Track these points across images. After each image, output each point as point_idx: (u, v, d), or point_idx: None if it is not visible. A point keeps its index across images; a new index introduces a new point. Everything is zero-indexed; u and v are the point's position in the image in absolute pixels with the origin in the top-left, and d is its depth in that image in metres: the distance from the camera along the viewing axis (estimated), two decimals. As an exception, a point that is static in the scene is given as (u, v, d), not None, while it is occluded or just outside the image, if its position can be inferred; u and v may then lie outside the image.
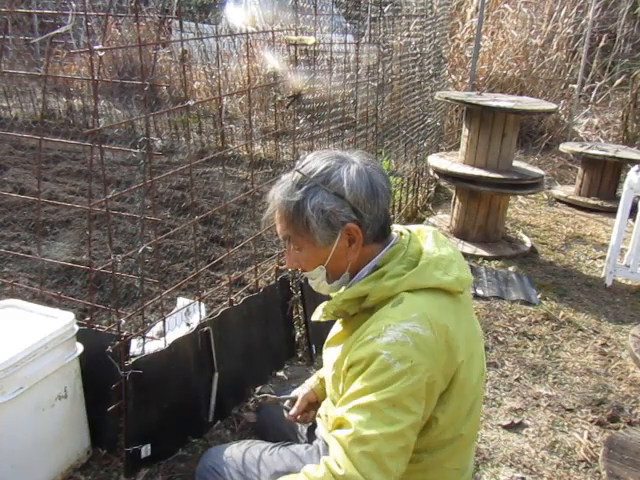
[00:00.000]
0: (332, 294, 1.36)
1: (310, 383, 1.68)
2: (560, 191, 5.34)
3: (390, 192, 1.29)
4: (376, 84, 3.48)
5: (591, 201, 5.05)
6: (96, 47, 1.58)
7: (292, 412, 1.61)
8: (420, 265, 1.24)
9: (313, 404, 1.63)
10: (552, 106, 4.02)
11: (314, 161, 1.28)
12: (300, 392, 1.66)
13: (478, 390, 1.32)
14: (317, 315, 1.39)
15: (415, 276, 1.23)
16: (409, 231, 1.35)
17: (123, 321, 1.85)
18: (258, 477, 1.46)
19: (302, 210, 1.24)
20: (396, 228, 1.36)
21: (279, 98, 2.88)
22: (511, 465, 2.04)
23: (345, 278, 1.32)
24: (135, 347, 1.86)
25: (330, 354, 1.37)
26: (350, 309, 1.28)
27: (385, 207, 1.27)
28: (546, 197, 5.31)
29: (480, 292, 3.30)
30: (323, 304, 1.36)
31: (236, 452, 1.55)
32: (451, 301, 1.25)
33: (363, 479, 1.08)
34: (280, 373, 2.45)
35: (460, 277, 1.27)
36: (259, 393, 2.27)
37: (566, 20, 7.00)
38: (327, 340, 1.43)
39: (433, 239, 1.33)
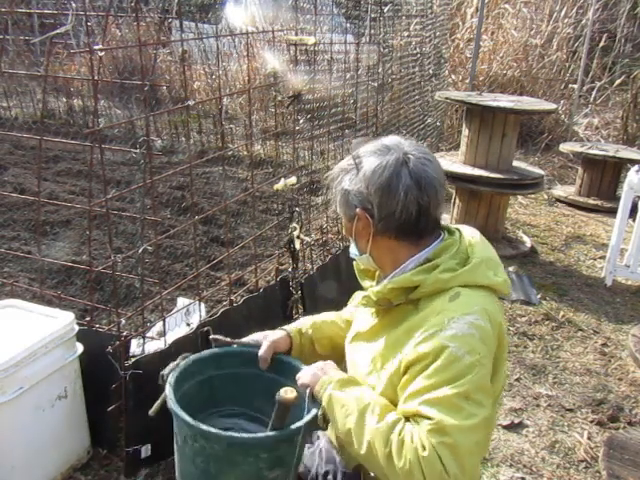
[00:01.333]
0: (365, 285, 1.40)
1: (288, 329, 1.51)
2: (560, 191, 5.34)
3: (427, 203, 1.26)
4: (376, 84, 3.48)
5: (591, 201, 5.05)
6: (96, 47, 1.58)
7: (261, 353, 1.42)
8: (473, 263, 1.26)
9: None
10: (552, 106, 4.02)
11: (368, 145, 1.32)
12: (268, 337, 1.46)
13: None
14: (355, 301, 1.40)
15: (469, 273, 1.24)
16: (457, 229, 1.37)
17: (123, 321, 1.85)
18: None
19: (337, 184, 1.32)
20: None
21: (279, 98, 2.88)
22: (511, 465, 2.04)
23: (369, 260, 1.34)
24: (135, 347, 1.86)
25: (362, 349, 1.33)
26: (396, 299, 1.26)
27: (411, 212, 1.24)
28: (546, 197, 5.31)
29: (480, 292, 3.30)
30: (363, 292, 1.36)
31: None
32: (498, 301, 1.28)
33: (442, 467, 1.07)
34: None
35: (508, 282, 1.30)
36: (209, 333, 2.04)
37: (566, 20, 7.00)
38: (354, 334, 1.38)
39: (480, 240, 1.35)
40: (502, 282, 1.28)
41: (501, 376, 1.26)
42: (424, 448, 1.09)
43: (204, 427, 1.19)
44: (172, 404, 1.28)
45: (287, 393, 1.21)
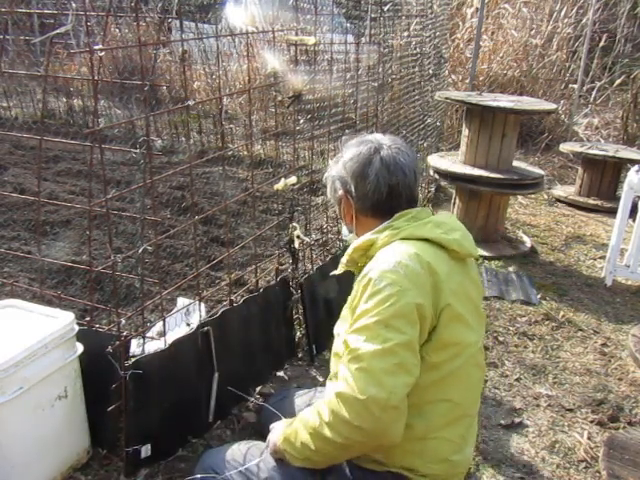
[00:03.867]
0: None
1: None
2: (560, 191, 5.34)
3: (396, 184, 1.46)
4: (376, 84, 3.48)
5: (591, 201, 5.05)
6: (96, 47, 1.58)
7: None
8: (421, 222, 1.43)
9: None
10: (552, 106, 4.02)
11: (352, 139, 1.57)
12: None
13: (472, 360, 1.41)
14: (336, 272, 1.60)
15: (414, 228, 1.41)
16: (430, 210, 1.54)
17: (123, 321, 1.85)
18: (257, 475, 1.46)
19: (327, 174, 1.59)
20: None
21: (279, 98, 2.88)
22: (511, 465, 2.04)
23: (354, 237, 1.54)
24: (135, 347, 1.86)
25: (341, 320, 1.50)
26: (359, 259, 1.46)
27: (382, 192, 1.46)
28: (546, 197, 5.31)
29: (480, 292, 3.30)
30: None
31: (237, 452, 1.55)
32: (446, 257, 1.40)
33: (359, 392, 1.20)
34: (280, 373, 2.45)
35: (460, 241, 1.42)
36: (259, 393, 2.27)
37: (566, 20, 7.00)
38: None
39: (444, 214, 1.53)
40: (450, 239, 1.40)
41: (463, 329, 1.37)
42: (339, 383, 1.25)
43: None
44: None
45: None
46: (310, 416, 1.34)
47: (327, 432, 1.27)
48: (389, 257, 1.33)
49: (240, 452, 1.54)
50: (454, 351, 1.35)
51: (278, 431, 1.47)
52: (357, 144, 1.52)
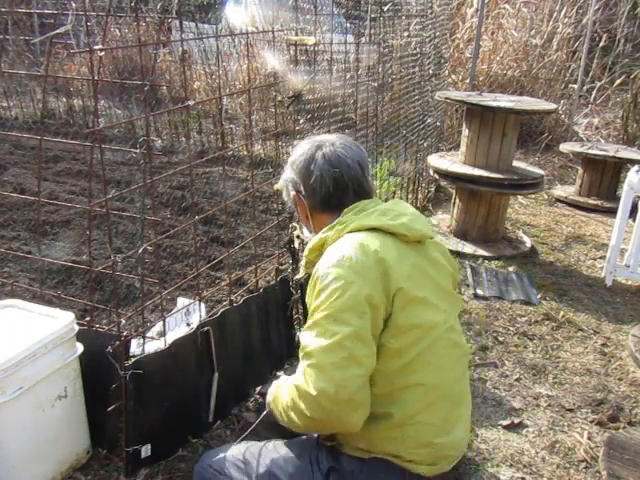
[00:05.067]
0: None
1: None
2: (560, 191, 5.34)
3: (340, 176, 1.52)
4: (376, 84, 3.48)
5: (591, 201, 5.05)
6: (96, 47, 1.58)
7: None
8: (366, 212, 1.48)
9: None
10: (552, 106, 4.02)
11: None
12: None
13: (443, 341, 1.42)
14: (298, 276, 1.68)
15: (361, 219, 1.46)
16: (379, 199, 1.61)
17: (123, 321, 1.85)
18: (257, 469, 1.48)
19: (281, 180, 1.66)
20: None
21: (279, 98, 2.88)
22: (511, 465, 2.04)
23: (313, 236, 1.58)
24: (135, 347, 1.86)
25: None
26: (316, 259, 1.47)
27: (328, 185, 1.52)
28: (546, 197, 5.31)
29: (480, 292, 3.30)
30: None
31: (236, 450, 1.56)
32: (396, 242, 1.43)
33: (312, 387, 1.26)
34: (280, 373, 2.45)
35: (408, 225, 1.45)
36: (259, 393, 2.27)
37: (566, 20, 7.00)
38: None
39: (392, 201, 1.58)
40: (397, 225, 1.44)
41: (425, 311, 1.39)
42: (297, 376, 1.31)
43: None
44: None
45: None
46: (283, 393, 1.42)
47: (292, 414, 1.35)
48: (334, 252, 1.38)
49: (240, 450, 1.55)
50: (416, 334, 1.37)
51: (272, 388, 1.57)
52: (303, 145, 1.60)
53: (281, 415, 1.43)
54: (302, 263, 1.58)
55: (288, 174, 1.62)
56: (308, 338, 1.31)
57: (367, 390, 1.30)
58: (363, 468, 1.42)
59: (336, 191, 1.53)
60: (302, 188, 1.56)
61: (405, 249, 1.44)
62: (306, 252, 1.54)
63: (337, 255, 1.36)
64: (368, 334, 1.30)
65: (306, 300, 1.45)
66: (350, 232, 1.43)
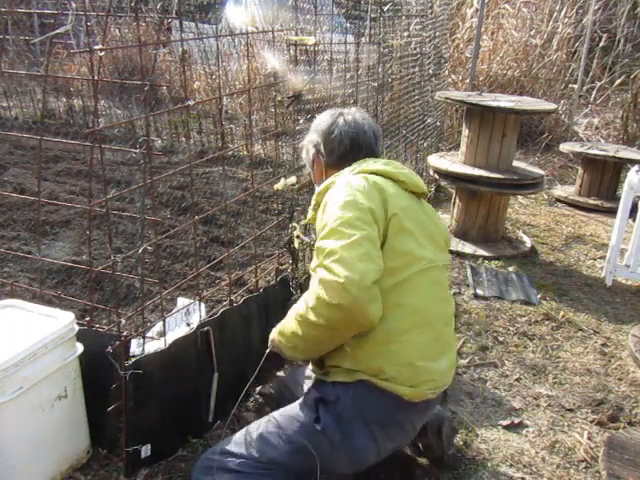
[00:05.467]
0: None
1: None
2: (560, 191, 5.34)
3: (356, 137, 1.78)
4: (376, 84, 3.48)
5: (591, 201, 5.05)
6: (96, 47, 1.58)
7: None
8: (373, 161, 1.73)
9: None
10: (552, 106, 4.02)
11: None
12: None
13: (428, 276, 1.59)
14: (306, 220, 1.88)
15: (367, 165, 1.70)
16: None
17: (123, 321, 1.85)
18: (254, 435, 1.61)
19: (302, 145, 1.92)
20: None
21: (279, 98, 2.88)
22: (511, 465, 2.04)
23: None
24: (135, 347, 1.85)
25: None
26: (322, 200, 1.65)
27: (345, 144, 1.77)
28: (546, 197, 5.31)
29: (480, 292, 3.30)
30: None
31: (236, 434, 1.67)
32: (395, 186, 1.66)
33: (337, 276, 1.40)
34: (280, 373, 2.45)
35: (407, 174, 1.70)
36: (259, 393, 2.27)
37: (566, 20, 7.00)
38: None
39: (392, 160, 1.82)
40: (398, 172, 1.68)
41: (401, 239, 1.57)
42: (320, 272, 1.44)
43: None
44: None
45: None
46: (298, 305, 1.55)
47: (312, 316, 1.46)
48: (342, 181, 1.62)
49: (239, 433, 1.66)
50: (405, 260, 1.55)
51: (275, 328, 1.73)
52: (324, 114, 1.87)
53: (292, 336, 1.57)
54: (310, 207, 1.78)
55: (310, 136, 1.86)
56: (327, 242, 1.47)
57: (375, 284, 1.45)
58: (347, 392, 1.55)
59: (351, 150, 1.78)
60: (322, 147, 1.81)
61: (404, 193, 1.67)
62: (315, 195, 1.73)
63: (343, 183, 1.61)
64: (377, 240, 1.50)
65: (315, 226, 1.64)
66: (355, 174, 1.66)
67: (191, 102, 1.92)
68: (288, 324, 1.60)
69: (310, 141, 1.86)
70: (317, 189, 1.76)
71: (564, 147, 5.39)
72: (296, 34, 2.46)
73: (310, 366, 1.75)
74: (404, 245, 1.56)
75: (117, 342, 1.74)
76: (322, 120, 1.85)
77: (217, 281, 3.12)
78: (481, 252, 3.86)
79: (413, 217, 1.63)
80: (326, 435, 1.55)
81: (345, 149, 1.78)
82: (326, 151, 1.81)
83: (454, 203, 4.17)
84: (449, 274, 3.51)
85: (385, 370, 1.51)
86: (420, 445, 2.00)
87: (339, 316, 1.41)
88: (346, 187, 1.58)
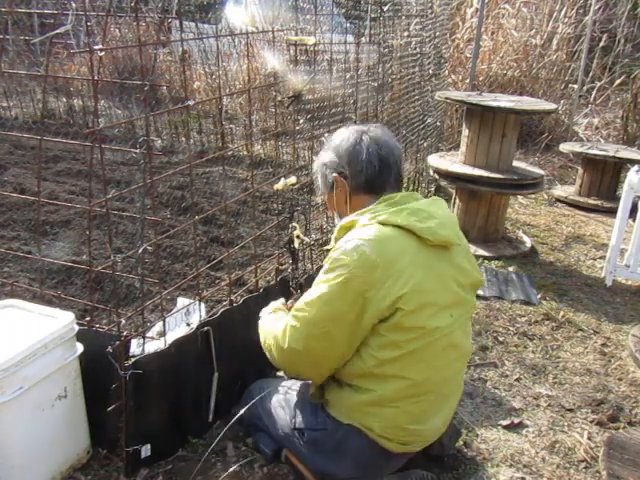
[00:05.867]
0: None
1: None
2: (560, 191, 5.34)
3: (387, 157, 1.60)
4: (376, 84, 3.48)
5: (591, 201, 5.05)
6: (96, 47, 1.57)
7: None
8: (397, 208, 1.52)
9: None
10: (552, 106, 4.02)
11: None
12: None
13: (442, 343, 1.52)
14: (328, 247, 1.72)
15: (391, 214, 1.50)
16: (417, 194, 1.65)
17: (123, 321, 1.85)
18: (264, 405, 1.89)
19: (316, 167, 1.73)
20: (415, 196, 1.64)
21: (279, 98, 2.88)
22: (511, 465, 2.04)
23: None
24: (135, 347, 1.85)
25: None
26: (344, 236, 1.55)
27: (374, 165, 1.58)
28: (546, 197, 5.31)
29: (480, 292, 3.30)
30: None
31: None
32: (417, 244, 1.49)
33: (286, 343, 1.54)
34: (280, 373, 2.45)
35: (434, 229, 1.49)
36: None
37: (566, 20, 7.00)
38: None
39: (429, 200, 1.61)
40: (423, 228, 1.48)
41: (432, 313, 1.49)
42: (288, 320, 1.56)
43: None
44: None
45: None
46: (269, 330, 1.70)
47: (271, 348, 1.66)
48: (354, 239, 1.47)
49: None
50: (414, 334, 1.47)
51: (264, 313, 1.88)
52: (342, 132, 1.67)
53: (263, 341, 1.73)
54: (332, 237, 1.65)
55: (328, 157, 1.66)
56: (301, 303, 1.52)
57: (333, 361, 1.53)
58: (338, 429, 1.59)
59: (381, 172, 1.59)
60: (347, 168, 1.61)
61: (425, 253, 1.50)
62: (336, 230, 1.61)
63: (354, 244, 1.45)
64: (348, 320, 1.45)
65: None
66: (379, 223, 1.49)
67: (191, 102, 1.92)
68: (266, 332, 1.74)
69: (326, 164, 1.66)
70: (340, 222, 1.62)
71: (564, 147, 5.39)
72: (296, 34, 2.45)
73: (311, 390, 1.75)
74: (414, 321, 1.46)
75: (117, 342, 1.73)
76: (342, 138, 1.64)
77: (217, 281, 3.12)
78: (481, 252, 3.86)
79: (434, 283, 1.50)
80: (306, 446, 1.69)
81: (374, 170, 1.59)
82: (351, 173, 1.60)
83: (454, 203, 4.17)
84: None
85: (376, 430, 1.55)
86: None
87: (281, 364, 1.70)
88: (351, 251, 1.44)
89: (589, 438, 2.20)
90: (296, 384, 1.87)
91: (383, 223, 1.48)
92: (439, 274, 1.51)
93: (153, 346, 1.90)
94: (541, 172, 3.99)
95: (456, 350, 1.57)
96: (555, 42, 7.03)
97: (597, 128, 6.95)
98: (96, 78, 1.61)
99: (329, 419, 1.62)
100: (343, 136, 1.65)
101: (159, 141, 5.76)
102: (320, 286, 1.48)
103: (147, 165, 1.74)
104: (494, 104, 3.72)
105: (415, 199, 1.58)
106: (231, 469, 1.87)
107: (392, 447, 1.58)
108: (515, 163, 4.06)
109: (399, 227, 1.48)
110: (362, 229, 1.49)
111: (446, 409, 1.65)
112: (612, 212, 4.34)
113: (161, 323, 1.96)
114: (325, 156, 1.68)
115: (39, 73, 5.68)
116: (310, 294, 1.50)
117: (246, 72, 5.95)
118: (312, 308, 1.47)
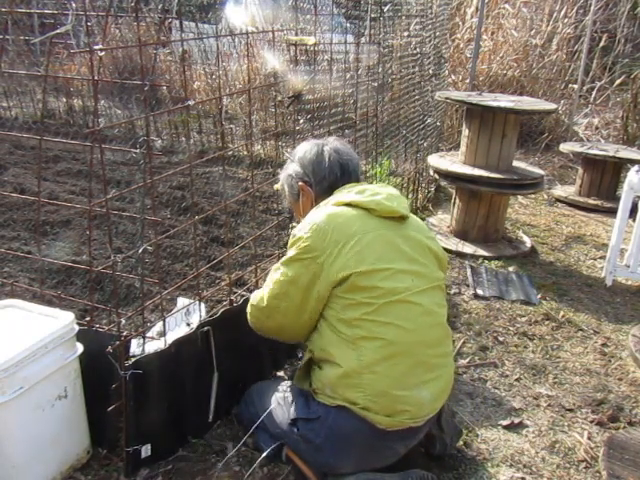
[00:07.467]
0: None
1: None
2: (560, 191, 5.34)
3: (346, 164, 1.83)
4: (376, 84, 3.48)
5: (591, 201, 5.05)
6: (96, 47, 1.57)
7: None
8: (347, 190, 1.76)
9: None
10: (552, 106, 4.02)
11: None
12: None
13: (403, 305, 1.62)
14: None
15: (339, 196, 1.74)
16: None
17: (123, 321, 1.85)
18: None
19: (282, 180, 1.96)
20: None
21: (279, 98, 2.88)
22: (511, 465, 2.04)
23: None
24: (135, 347, 1.85)
25: None
26: None
27: (336, 172, 1.81)
28: (546, 197, 5.31)
29: (480, 292, 3.30)
30: None
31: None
32: (369, 216, 1.67)
33: (257, 299, 1.82)
34: (280, 373, 2.45)
35: (379, 201, 1.68)
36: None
37: (566, 20, 7.00)
38: None
39: (378, 184, 1.87)
40: (368, 201, 1.68)
41: (367, 277, 1.61)
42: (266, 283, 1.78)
43: None
44: None
45: None
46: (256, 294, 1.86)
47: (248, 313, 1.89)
48: (308, 218, 1.70)
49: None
50: (372, 293, 1.59)
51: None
52: (305, 145, 1.89)
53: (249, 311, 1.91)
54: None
55: (293, 168, 1.88)
56: (273, 270, 1.74)
57: (292, 319, 1.72)
58: (329, 414, 1.65)
59: (342, 177, 1.81)
60: (311, 177, 1.83)
61: (376, 223, 1.67)
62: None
63: (308, 221, 1.67)
64: (304, 283, 1.64)
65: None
66: (330, 205, 1.71)
67: (191, 102, 1.92)
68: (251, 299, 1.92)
69: (292, 175, 1.88)
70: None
71: (564, 147, 5.39)
72: (296, 34, 2.45)
73: (296, 382, 1.88)
74: (369, 281, 1.60)
75: (117, 342, 1.74)
76: (305, 150, 1.87)
77: (217, 281, 3.12)
78: (481, 252, 3.86)
79: (385, 249, 1.65)
80: (303, 440, 1.74)
81: (336, 177, 1.81)
82: (316, 180, 1.83)
83: (454, 203, 4.17)
84: (449, 274, 3.51)
85: (359, 402, 1.59)
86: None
87: (254, 317, 1.89)
88: (306, 227, 1.66)
89: (589, 438, 2.20)
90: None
91: (334, 204, 1.71)
92: (390, 241, 1.67)
93: (153, 346, 1.90)
94: (541, 172, 3.99)
95: (430, 316, 1.67)
96: (555, 42, 7.03)
97: (597, 128, 6.95)
98: (96, 78, 1.61)
99: (320, 406, 1.69)
100: (306, 148, 1.87)
101: (159, 141, 5.76)
102: (285, 256, 1.70)
103: (147, 165, 1.74)
104: (494, 104, 3.72)
105: (362, 185, 1.79)
106: (231, 469, 1.87)
107: (380, 421, 1.59)
108: (515, 163, 4.06)
109: (348, 205, 1.68)
110: (315, 211, 1.72)
111: (433, 383, 1.66)
112: (612, 212, 4.34)
113: (161, 323, 1.96)
114: (290, 168, 1.89)
115: (39, 73, 5.68)
116: (279, 263, 1.73)
117: (246, 72, 5.95)
118: (277, 272, 1.70)
